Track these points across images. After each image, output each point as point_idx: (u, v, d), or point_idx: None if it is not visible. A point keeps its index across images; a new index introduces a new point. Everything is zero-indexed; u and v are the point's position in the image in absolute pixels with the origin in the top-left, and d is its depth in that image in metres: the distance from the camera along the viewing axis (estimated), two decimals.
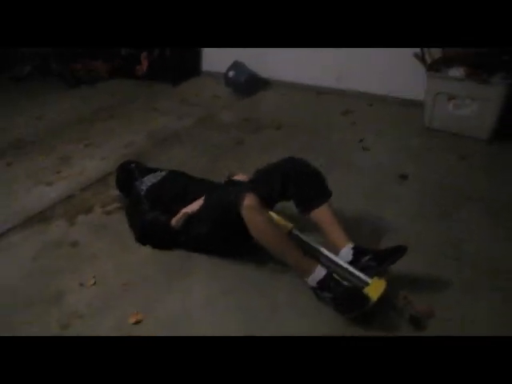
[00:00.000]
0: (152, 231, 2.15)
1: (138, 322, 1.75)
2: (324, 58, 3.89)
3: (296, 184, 1.96)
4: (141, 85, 4.65)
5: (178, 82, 4.60)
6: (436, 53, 3.18)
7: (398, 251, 1.77)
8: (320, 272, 1.73)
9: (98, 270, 2.05)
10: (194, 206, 2.02)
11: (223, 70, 4.22)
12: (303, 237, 1.98)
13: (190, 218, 2.03)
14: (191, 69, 4.78)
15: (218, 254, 2.07)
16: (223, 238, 1.99)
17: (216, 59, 4.57)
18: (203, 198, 2.04)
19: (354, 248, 1.85)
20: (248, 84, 4.12)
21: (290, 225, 2.01)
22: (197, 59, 4.79)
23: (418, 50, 3.17)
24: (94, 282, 1.98)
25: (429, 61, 3.16)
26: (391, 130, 3.26)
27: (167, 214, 2.10)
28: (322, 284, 1.71)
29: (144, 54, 4.71)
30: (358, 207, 2.36)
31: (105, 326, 1.75)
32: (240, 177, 2.25)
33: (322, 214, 1.93)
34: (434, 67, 3.07)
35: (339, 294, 1.67)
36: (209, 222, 1.96)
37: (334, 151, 2.98)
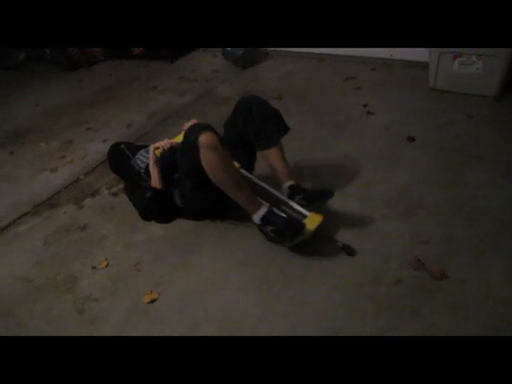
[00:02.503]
0: (153, 206, 2.15)
1: (152, 301, 1.75)
2: None
3: (256, 120, 2.04)
4: (138, 64, 4.58)
5: (175, 58, 4.52)
6: None
7: (325, 194, 1.95)
8: (263, 210, 1.87)
9: (109, 252, 2.05)
10: (151, 154, 2.15)
11: None
12: (248, 175, 2.12)
13: (176, 178, 2.09)
14: None
15: (214, 211, 2.13)
16: (206, 190, 1.94)
17: None
18: (155, 145, 2.18)
19: (290, 186, 2.02)
20: (246, 56, 4.03)
21: (237, 164, 2.07)
22: None
23: None
24: (107, 264, 1.98)
25: None
26: (396, 93, 3.19)
27: (168, 187, 2.14)
28: (264, 219, 1.85)
29: None
30: (366, 172, 2.33)
31: (120, 307, 1.76)
32: (192, 122, 2.24)
33: (272, 154, 2.07)
34: None
35: (279, 223, 1.83)
36: (186, 177, 1.98)
37: (339, 117, 2.93)
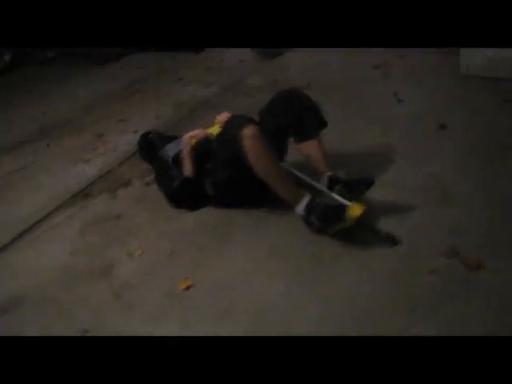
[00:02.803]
0: (182, 194, 2.20)
1: (188, 288, 1.79)
2: None
3: (294, 113, 2.08)
4: (165, 56, 4.62)
5: (200, 49, 4.53)
6: None
7: (366, 182, 1.96)
8: (306, 198, 1.86)
9: (144, 240, 2.10)
10: (186, 145, 2.19)
11: None
12: (288, 167, 2.10)
13: (208, 167, 2.11)
14: None
15: (247, 201, 2.14)
16: (244, 178, 1.98)
17: None
18: (189, 134, 2.21)
19: (329, 176, 2.02)
20: None
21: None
22: None
23: None
24: (142, 252, 2.03)
25: None
26: (426, 80, 3.14)
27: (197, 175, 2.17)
28: (308, 208, 1.84)
29: None
30: (398, 161, 2.30)
31: (156, 294, 1.80)
32: (224, 115, 2.25)
33: (309, 146, 2.10)
34: None
35: (321, 210, 1.82)
36: (223, 166, 2.00)
37: (369, 106, 2.90)
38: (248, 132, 1.80)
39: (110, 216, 2.32)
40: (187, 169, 2.16)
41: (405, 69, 3.37)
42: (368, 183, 1.95)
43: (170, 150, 2.33)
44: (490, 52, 2.87)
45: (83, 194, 2.57)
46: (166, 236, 2.10)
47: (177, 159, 2.26)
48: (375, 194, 2.06)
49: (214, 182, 2.10)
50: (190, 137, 2.19)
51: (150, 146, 2.43)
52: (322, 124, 2.12)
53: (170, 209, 2.25)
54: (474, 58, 2.95)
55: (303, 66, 3.74)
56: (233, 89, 3.57)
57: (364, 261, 1.77)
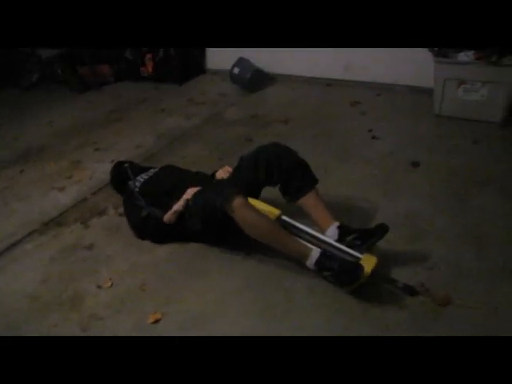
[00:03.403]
0: (148, 227, 2.18)
1: (156, 322, 1.76)
2: (329, 50, 3.87)
3: (281, 174, 2.00)
4: (147, 86, 4.66)
5: (183, 81, 4.60)
6: None
7: (381, 230, 1.84)
8: (315, 254, 1.77)
9: (114, 272, 2.07)
10: (181, 202, 2.06)
11: (228, 67, 4.21)
12: (291, 221, 2.01)
13: (182, 213, 2.06)
14: (196, 67, 4.78)
15: (217, 244, 2.12)
16: (217, 233, 2.02)
17: (220, 57, 4.56)
18: (189, 192, 2.06)
19: (339, 227, 1.92)
20: (254, 80, 4.10)
21: (277, 211, 2.01)
22: (201, 57, 4.79)
23: None
24: (112, 284, 1.99)
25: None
26: (401, 118, 3.23)
27: (162, 207, 2.13)
28: (320, 264, 1.76)
29: (149, 56, 4.71)
30: (370, 197, 2.35)
31: (124, 327, 1.76)
32: (224, 171, 2.24)
33: (308, 200, 2.00)
34: (441, 53, 3.03)
35: (336, 267, 1.72)
36: (199, 222, 1.97)
37: (345, 142, 2.96)
38: (237, 204, 1.77)
39: (82, 245, 2.28)
40: (169, 221, 2.10)
41: (381, 106, 3.47)
42: (383, 230, 1.84)
43: (138, 180, 2.34)
44: (461, 94, 2.98)
45: (56, 221, 2.53)
46: (138, 268, 2.08)
47: (143, 189, 2.27)
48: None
49: (184, 226, 2.08)
50: (187, 200, 2.05)
51: (122, 176, 2.42)
52: (312, 181, 2.03)
53: (143, 241, 2.23)
54: (447, 99, 3.06)
55: (281, 101, 3.82)
56: (213, 121, 3.61)
57: (336, 295, 1.78)
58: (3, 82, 5.07)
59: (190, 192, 2.06)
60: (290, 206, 2.07)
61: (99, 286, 1.99)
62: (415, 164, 2.60)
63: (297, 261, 1.86)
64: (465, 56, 2.91)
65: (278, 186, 2.07)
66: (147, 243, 2.21)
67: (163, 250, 2.16)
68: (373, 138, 2.98)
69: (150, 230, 2.19)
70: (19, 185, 3.00)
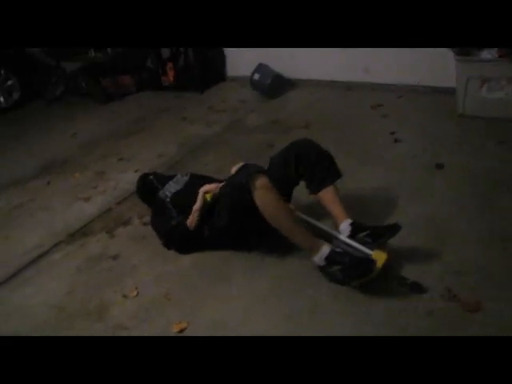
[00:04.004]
0: (176, 235, 2.20)
1: (182, 331, 1.77)
2: (349, 52, 3.85)
3: (309, 164, 2.05)
4: (168, 95, 4.72)
5: (204, 89, 4.64)
6: None
7: (393, 229, 1.87)
8: (326, 249, 1.81)
9: (139, 281, 2.09)
10: (199, 201, 2.11)
11: (248, 73, 4.23)
12: (304, 216, 2.07)
13: (208, 213, 2.09)
14: (217, 75, 4.82)
15: (243, 247, 2.13)
16: (243, 226, 2.02)
17: (240, 63, 4.59)
18: (203, 188, 2.13)
19: (352, 224, 1.96)
20: (274, 85, 4.11)
21: (291, 206, 2.07)
22: (221, 65, 4.82)
23: None
24: (137, 293, 2.02)
25: None
26: (423, 119, 3.18)
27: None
28: (330, 259, 1.80)
29: (169, 65, 4.78)
30: (394, 200, 2.32)
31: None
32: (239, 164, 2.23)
33: (327, 194, 2.04)
34: (463, 51, 2.98)
35: (347, 262, 1.76)
36: (226, 212, 1.99)
37: (367, 146, 2.93)
38: (259, 182, 1.79)
39: (108, 255, 2.32)
40: (191, 223, 2.14)
41: (402, 108, 3.42)
42: (395, 229, 1.87)
43: (168, 190, 2.35)
44: (485, 92, 2.92)
45: (82, 232, 2.58)
46: (163, 277, 2.10)
47: (175, 200, 2.28)
48: None
49: (212, 225, 2.10)
50: (205, 192, 2.13)
51: (148, 187, 2.45)
52: (336, 174, 2.07)
53: (167, 250, 2.25)
54: (470, 99, 3.00)
55: (302, 106, 3.81)
56: (234, 128, 3.63)
57: (361, 302, 1.76)
58: (28, 95, 5.22)
59: (205, 188, 2.13)
60: (306, 202, 2.18)
61: (125, 296, 2.02)
62: (439, 166, 2.55)
63: (307, 253, 1.88)
64: (488, 54, 2.85)
65: (305, 179, 2.11)
66: (172, 252, 2.23)
67: (187, 259, 2.18)
68: (395, 140, 2.94)
69: (177, 238, 2.21)
70: (45, 196, 3.08)
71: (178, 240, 2.22)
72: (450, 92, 3.23)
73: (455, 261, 1.88)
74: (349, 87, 3.95)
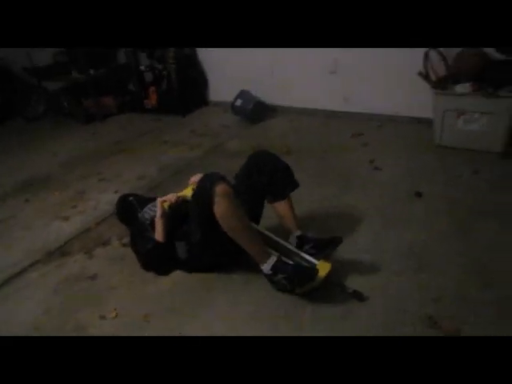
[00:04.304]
0: (154, 257, 2.20)
1: None
2: (331, 82, 3.97)
3: (268, 174, 2.12)
4: (150, 118, 4.74)
5: (186, 113, 4.68)
6: (440, 70, 3.22)
7: (335, 241, 2.02)
8: (273, 259, 1.90)
9: (118, 303, 2.06)
10: (159, 210, 2.18)
11: (230, 98, 4.29)
12: (256, 227, 2.14)
13: (184, 230, 2.12)
14: (199, 99, 4.87)
15: (221, 265, 2.17)
16: (217, 239, 1.99)
17: (223, 89, 4.66)
18: (163, 198, 2.21)
19: (298, 236, 2.10)
20: (256, 112, 4.17)
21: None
22: (204, 90, 4.88)
23: (421, 68, 3.20)
24: (116, 315, 1.98)
25: (433, 78, 3.20)
26: (402, 149, 3.27)
27: (173, 238, 2.17)
28: (275, 268, 1.88)
29: (152, 88, 4.81)
30: (373, 227, 2.35)
31: None
32: (197, 176, 2.27)
33: (281, 205, 2.16)
34: (439, 85, 3.10)
35: (290, 270, 1.86)
36: (198, 225, 2.00)
37: (347, 173, 2.99)
38: (220, 188, 1.81)
39: (86, 276, 2.27)
40: (158, 234, 2.16)
41: (382, 137, 3.51)
42: (336, 241, 2.02)
43: (148, 213, 2.35)
44: (461, 124, 3.03)
45: (60, 251, 2.53)
46: (142, 299, 2.07)
47: (153, 222, 2.27)
48: (352, 259, 2.10)
49: (188, 243, 2.11)
50: (162, 201, 2.19)
51: (128, 209, 2.45)
52: (293, 185, 2.17)
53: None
54: (447, 130, 3.11)
55: (283, 132, 3.87)
56: (215, 152, 3.66)
57: (342, 327, 1.76)
58: (9, 113, 5.17)
59: (162, 198, 2.21)
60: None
61: (102, 317, 1.98)
62: (418, 194, 2.61)
63: (256, 261, 1.94)
64: (462, 88, 2.98)
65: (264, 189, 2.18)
66: (151, 274, 2.21)
67: (168, 281, 2.16)
68: (375, 168, 3.01)
69: (155, 260, 2.20)
70: (24, 214, 3.02)
71: (156, 261, 2.21)
72: (427, 122, 3.35)
73: (434, 288, 1.91)
74: (330, 115, 4.05)
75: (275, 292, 1.97)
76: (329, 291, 1.93)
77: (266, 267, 1.90)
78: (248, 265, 2.06)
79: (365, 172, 2.99)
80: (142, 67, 4.88)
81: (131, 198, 2.50)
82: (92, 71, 4.83)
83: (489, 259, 2.04)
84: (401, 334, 1.69)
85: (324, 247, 2.01)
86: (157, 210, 2.19)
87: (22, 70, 5.18)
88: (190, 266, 2.19)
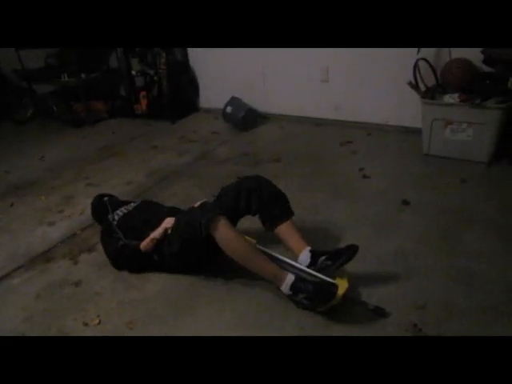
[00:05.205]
0: (124, 256, 2.21)
1: None
2: (321, 90, 3.98)
3: (261, 204, 2.11)
4: (140, 123, 4.73)
5: (176, 119, 4.66)
6: (429, 80, 3.25)
7: (350, 250, 1.91)
8: (290, 278, 1.86)
9: (102, 309, 2.03)
10: (160, 230, 2.12)
11: (221, 105, 4.29)
12: (266, 250, 2.09)
13: (160, 240, 2.11)
14: (189, 106, 4.87)
15: (191, 270, 2.17)
16: (194, 256, 2.07)
17: (213, 95, 4.66)
18: (168, 220, 2.14)
19: (311, 251, 2.02)
20: (246, 119, 4.17)
21: (253, 241, 2.11)
22: (194, 96, 4.88)
23: (411, 78, 3.23)
24: (99, 322, 1.95)
25: (422, 88, 3.22)
26: (391, 157, 3.29)
27: (139, 239, 2.17)
28: (294, 287, 1.84)
29: (143, 93, 4.80)
30: (361, 235, 2.35)
31: None
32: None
33: (282, 228, 2.11)
34: (428, 95, 3.13)
35: (311, 289, 1.81)
36: (179, 243, 2.02)
37: (336, 181, 2.99)
38: (220, 225, 1.86)
39: (70, 282, 2.24)
40: (145, 247, 2.14)
41: (371, 146, 3.53)
42: (352, 250, 1.91)
43: (116, 214, 2.37)
44: (448, 134, 3.05)
45: (44, 257, 2.49)
46: (126, 305, 2.04)
47: (121, 222, 2.31)
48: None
49: (161, 251, 2.12)
50: (166, 228, 2.12)
51: (101, 209, 2.48)
52: (288, 213, 2.14)
53: (133, 277, 2.21)
54: (435, 139, 3.13)
55: (273, 140, 3.87)
56: (205, 159, 3.65)
57: (324, 333, 1.76)
58: None
59: (169, 221, 2.13)
60: (265, 235, 2.18)
61: (86, 324, 1.95)
62: (405, 202, 2.62)
63: (275, 284, 1.92)
64: (450, 98, 3.00)
65: (257, 215, 2.17)
66: (136, 280, 2.18)
67: (152, 287, 2.14)
68: (364, 176, 3.01)
69: (126, 259, 2.22)
70: (8, 218, 2.98)
71: (128, 261, 2.22)
72: (416, 132, 3.37)
73: (420, 296, 1.90)
74: (319, 123, 4.06)
75: (260, 299, 1.96)
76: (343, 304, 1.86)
77: (285, 288, 1.87)
78: (235, 272, 2.05)
79: (353, 180, 2.99)
80: (134, 72, 4.87)
81: (106, 199, 2.54)
82: (83, 75, 4.81)
83: (474, 267, 2.04)
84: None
85: (339, 257, 1.92)
86: (157, 234, 2.13)
87: (13, 72, 5.15)
88: (162, 267, 2.19)
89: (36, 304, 2.12)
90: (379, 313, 1.82)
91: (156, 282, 2.17)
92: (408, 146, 3.41)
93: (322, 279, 1.90)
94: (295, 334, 1.77)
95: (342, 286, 1.84)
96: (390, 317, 1.81)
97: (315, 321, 1.82)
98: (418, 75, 3.26)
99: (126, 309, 2.02)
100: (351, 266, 2.07)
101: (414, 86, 3.22)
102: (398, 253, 2.19)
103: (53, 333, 1.92)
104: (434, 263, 2.10)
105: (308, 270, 1.96)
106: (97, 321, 1.95)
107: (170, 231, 2.10)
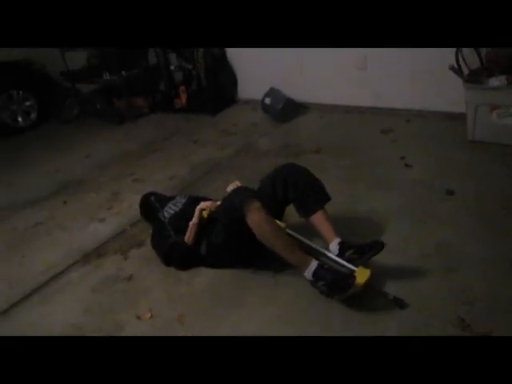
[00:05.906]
0: (174, 253, 2.30)
1: None
2: (360, 78, 3.93)
3: (297, 191, 2.16)
4: (180, 118, 4.82)
5: (216, 112, 4.73)
6: (473, 63, 3.14)
7: (376, 246, 1.97)
8: (313, 265, 1.93)
9: (153, 303, 2.12)
10: (196, 213, 2.23)
11: (259, 97, 4.31)
12: (295, 234, 2.18)
13: (206, 230, 2.22)
14: (228, 98, 4.92)
15: (239, 262, 2.24)
16: (237, 243, 2.13)
17: (252, 87, 4.69)
18: (202, 204, 2.25)
19: (340, 243, 2.08)
20: (285, 109, 4.18)
21: (282, 224, 2.14)
22: (233, 88, 4.92)
23: (452, 62, 3.13)
24: (151, 315, 2.05)
25: (466, 72, 3.12)
26: (433, 145, 3.22)
27: None
28: (316, 274, 1.91)
29: (182, 88, 4.88)
30: (405, 226, 2.34)
31: None
32: (233, 185, 2.33)
33: (316, 217, 2.16)
34: (471, 79, 3.03)
35: (330, 277, 1.87)
36: (221, 231, 2.13)
37: (377, 170, 2.97)
38: (252, 207, 1.91)
39: (122, 277, 2.36)
40: (188, 238, 2.24)
41: (412, 133, 3.47)
42: (379, 247, 1.97)
43: (167, 211, 2.46)
44: (495, 119, 2.96)
45: (97, 252, 2.62)
46: (176, 299, 2.13)
47: (172, 221, 2.39)
48: (383, 259, 2.08)
49: (209, 243, 2.21)
50: (201, 210, 2.23)
51: (150, 208, 2.61)
52: (325, 199, 2.18)
53: (182, 271, 2.29)
54: (480, 125, 3.04)
55: (313, 130, 3.87)
56: (246, 151, 3.69)
57: (373, 330, 1.77)
58: (45, 117, 5.36)
59: (203, 204, 2.23)
60: (295, 222, 2.25)
61: (138, 317, 2.05)
62: (450, 192, 2.57)
63: (299, 269, 1.97)
64: (496, 81, 2.90)
65: (294, 204, 2.23)
66: (185, 274, 2.27)
67: (200, 281, 2.21)
68: (405, 165, 2.97)
69: (175, 256, 2.30)
70: (61, 216, 3.14)
71: (177, 257, 2.30)
72: (459, 117, 3.28)
73: (466, 289, 1.88)
74: (360, 112, 4.02)
75: (305, 294, 1.99)
76: (366, 295, 1.92)
77: (308, 273, 1.93)
78: (281, 265, 2.10)
79: (395, 169, 2.96)
80: (172, 67, 4.96)
81: (152, 198, 2.64)
82: (124, 72, 4.95)
83: None
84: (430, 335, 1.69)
85: (366, 252, 1.99)
86: (194, 218, 2.23)
87: (60, 74, 5.36)
88: (210, 262, 2.27)
89: (93, 298, 2.24)
90: (399, 304, 1.85)
91: (204, 276, 2.24)
92: (450, 132, 3.33)
93: (345, 267, 1.98)
94: (340, 329, 1.80)
95: (364, 274, 1.89)
96: (435, 311, 1.80)
97: (361, 319, 1.83)
98: (460, 58, 3.16)
99: (176, 303, 2.10)
100: (392, 259, 2.08)
101: (457, 70, 3.12)
102: (442, 244, 2.17)
103: (109, 325, 2.03)
104: (478, 255, 2.06)
105: (333, 257, 2.05)
106: (149, 315, 2.05)
107: (205, 214, 2.21)
